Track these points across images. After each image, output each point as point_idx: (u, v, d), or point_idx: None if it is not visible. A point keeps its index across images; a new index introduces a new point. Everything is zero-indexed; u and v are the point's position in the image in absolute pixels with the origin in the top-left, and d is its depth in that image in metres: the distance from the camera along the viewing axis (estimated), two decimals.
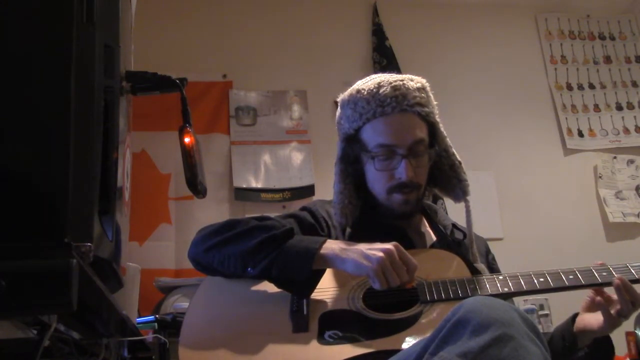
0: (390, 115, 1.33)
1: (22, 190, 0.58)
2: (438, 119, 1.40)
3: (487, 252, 1.50)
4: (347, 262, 1.17)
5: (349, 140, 1.40)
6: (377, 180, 1.37)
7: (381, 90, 1.34)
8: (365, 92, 1.35)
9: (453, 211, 1.64)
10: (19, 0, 0.63)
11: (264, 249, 1.20)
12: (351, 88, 1.41)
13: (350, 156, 1.40)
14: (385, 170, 1.34)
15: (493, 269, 1.47)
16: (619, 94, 3.62)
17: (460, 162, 1.41)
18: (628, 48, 3.73)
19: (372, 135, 1.34)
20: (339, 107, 1.44)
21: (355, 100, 1.36)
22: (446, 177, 1.42)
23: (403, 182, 1.32)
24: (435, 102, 1.41)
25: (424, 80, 1.40)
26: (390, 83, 1.34)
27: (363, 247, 1.19)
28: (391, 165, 1.33)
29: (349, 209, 1.37)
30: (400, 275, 1.15)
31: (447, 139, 1.41)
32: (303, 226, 1.38)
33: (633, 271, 1.18)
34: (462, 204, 1.43)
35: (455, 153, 1.42)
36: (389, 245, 1.17)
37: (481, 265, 1.36)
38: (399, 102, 1.33)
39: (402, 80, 1.36)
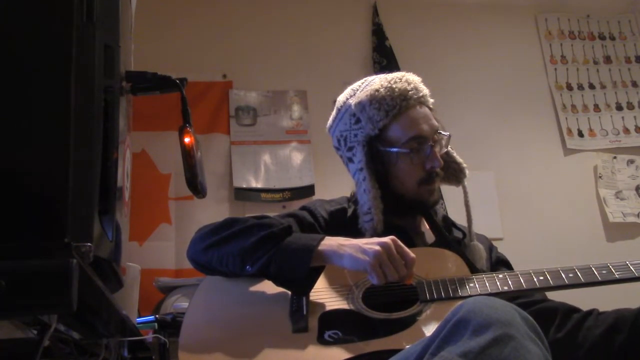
0: (413, 108, 1.37)
1: (22, 190, 0.58)
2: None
3: (491, 248, 1.50)
4: (344, 257, 1.17)
5: (370, 143, 1.38)
6: (409, 175, 1.37)
7: (398, 86, 1.37)
8: (384, 90, 1.37)
9: (453, 211, 1.65)
10: (19, 0, 0.63)
11: (262, 246, 1.20)
12: (359, 92, 1.40)
13: (374, 159, 1.39)
14: (418, 162, 1.36)
15: (500, 259, 1.47)
16: (619, 94, 3.62)
17: (452, 148, 1.46)
18: (628, 48, 3.73)
19: (403, 129, 1.35)
20: (347, 114, 1.41)
21: (379, 99, 1.36)
22: (444, 163, 1.43)
23: (435, 170, 1.36)
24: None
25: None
26: (400, 78, 1.39)
27: (360, 242, 1.19)
28: (422, 157, 1.36)
29: (382, 213, 1.36)
30: (398, 268, 1.15)
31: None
32: (302, 225, 1.38)
33: (633, 269, 1.18)
34: (460, 202, 1.45)
35: None
36: (386, 239, 1.17)
37: (477, 244, 1.41)
38: (416, 94, 1.38)
39: (404, 75, 1.41)
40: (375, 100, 1.36)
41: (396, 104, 1.35)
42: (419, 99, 1.38)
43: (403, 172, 1.37)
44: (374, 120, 1.36)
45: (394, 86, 1.37)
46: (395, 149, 1.36)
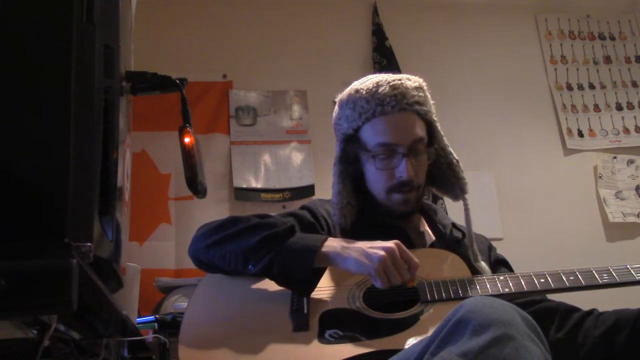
0: (390, 114, 1.33)
1: (22, 190, 0.58)
2: (435, 118, 1.41)
3: (490, 248, 1.50)
4: (349, 260, 1.17)
5: (348, 141, 1.40)
6: (376, 180, 1.37)
7: (380, 90, 1.34)
8: (364, 92, 1.36)
9: (453, 211, 1.65)
10: (19, 1, 0.63)
11: (266, 246, 1.20)
12: (349, 88, 1.42)
13: (349, 156, 1.40)
14: (385, 169, 1.34)
15: (499, 259, 1.47)
16: (619, 94, 3.62)
17: (457, 161, 1.42)
18: (628, 48, 3.72)
19: (372, 134, 1.34)
20: (336, 107, 1.44)
21: (355, 100, 1.36)
22: (444, 176, 1.42)
23: (404, 180, 1.33)
24: (432, 102, 1.42)
25: (421, 80, 1.42)
26: (389, 82, 1.35)
27: (364, 245, 1.19)
28: (391, 164, 1.34)
29: (348, 209, 1.38)
30: (402, 273, 1.15)
31: (444, 138, 1.42)
32: (303, 225, 1.38)
33: (633, 272, 1.18)
34: (460, 204, 1.43)
35: (453, 152, 1.42)
36: (390, 244, 1.17)
37: (481, 264, 1.36)
38: (398, 101, 1.34)
39: (400, 80, 1.37)
40: (352, 101, 1.37)
41: (370, 108, 1.34)
42: (401, 106, 1.33)
43: (371, 175, 1.38)
44: (349, 120, 1.38)
45: (375, 89, 1.35)
46: (363, 152, 1.36)
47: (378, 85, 1.35)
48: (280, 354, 1.12)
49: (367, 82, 1.39)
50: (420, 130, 1.35)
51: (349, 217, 1.37)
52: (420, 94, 1.38)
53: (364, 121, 1.35)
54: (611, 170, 3.44)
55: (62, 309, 0.56)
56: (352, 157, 1.40)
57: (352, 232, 1.37)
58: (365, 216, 1.41)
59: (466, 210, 1.42)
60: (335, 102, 1.48)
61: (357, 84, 1.41)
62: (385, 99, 1.33)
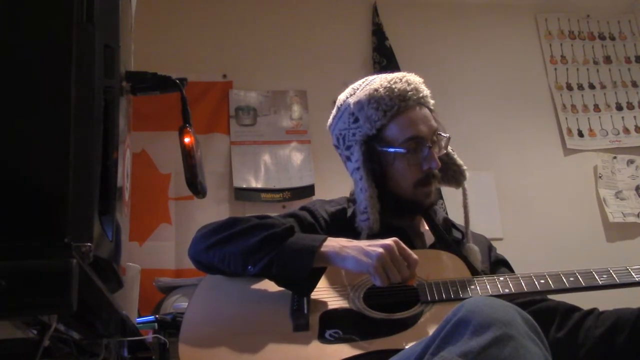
0: (412, 109, 1.36)
1: (22, 190, 0.58)
2: None
3: (490, 248, 1.50)
4: (347, 259, 1.17)
5: (368, 142, 1.38)
6: (405, 176, 1.37)
7: (398, 86, 1.37)
8: (383, 90, 1.36)
9: (453, 212, 1.65)
10: (19, 1, 0.63)
11: (265, 247, 1.20)
12: (359, 91, 1.40)
13: (373, 157, 1.39)
14: (415, 163, 1.35)
15: (499, 259, 1.47)
16: (619, 94, 3.62)
17: (452, 150, 1.46)
18: (628, 48, 3.72)
19: (400, 130, 1.35)
20: (348, 111, 1.41)
21: (377, 99, 1.36)
22: (444, 164, 1.43)
23: (432, 172, 1.35)
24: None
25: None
26: (400, 79, 1.38)
27: (363, 244, 1.19)
28: (419, 158, 1.35)
29: (379, 213, 1.36)
30: (401, 270, 1.15)
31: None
32: (303, 225, 1.38)
33: (633, 274, 1.18)
34: (461, 202, 1.45)
35: None
36: (388, 241, 1.17)
37: (473, 247, 1.40)
38: (416, 95, 1.37)
39: (405, 76, 1.40)
40: (374, 100, 1.36)
41: (394, 104, 1.35)
42: (418, 100, 1.38)
43: (399, 172, 1.37)
44: (372, 120, 1.36)
45: (393, 86, 1.37)
46: (392, 149, 1.35)
47: (393, 82, 1.38)
48: (280, 354, 1.12)
49: (378, 81, 1.40)
50: (434, 122, 1.39)
51: (379, 221, 1.36)
52: (425, 88, 1.42)
53: (390, 119, 1.35)
54: (611, 170, 3.44)
55: (62, 309, 0.56)
56: (374, 158, 1.38)
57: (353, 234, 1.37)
58: None
59: (464, 195, 1.45)
60: (338, 104, 1.47)
61: (367, 85, 1.40)
62: (406, 94, 1.36)
